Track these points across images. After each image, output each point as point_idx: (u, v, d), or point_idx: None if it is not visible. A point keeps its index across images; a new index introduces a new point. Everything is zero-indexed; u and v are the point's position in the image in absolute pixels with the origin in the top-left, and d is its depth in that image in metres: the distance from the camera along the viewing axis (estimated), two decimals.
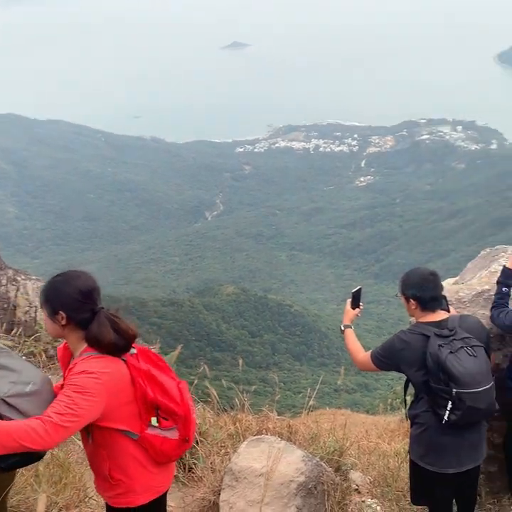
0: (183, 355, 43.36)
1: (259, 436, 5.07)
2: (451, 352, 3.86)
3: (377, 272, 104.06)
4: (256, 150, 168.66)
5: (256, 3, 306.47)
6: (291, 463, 4.71)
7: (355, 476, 5.44)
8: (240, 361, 14.37)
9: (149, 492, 3.26)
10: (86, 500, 4.50)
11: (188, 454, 5.27)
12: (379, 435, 7.85)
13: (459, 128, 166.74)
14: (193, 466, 5.26)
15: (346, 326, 4.53)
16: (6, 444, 2.75)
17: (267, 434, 5.28)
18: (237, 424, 5.67)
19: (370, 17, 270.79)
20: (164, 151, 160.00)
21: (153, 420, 3.15)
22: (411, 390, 4.25)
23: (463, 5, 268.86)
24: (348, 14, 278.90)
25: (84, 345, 3.09)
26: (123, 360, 3.08)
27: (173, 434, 3.19)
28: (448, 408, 3.88)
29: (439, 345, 3.90)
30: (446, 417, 3.90)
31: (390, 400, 12.38)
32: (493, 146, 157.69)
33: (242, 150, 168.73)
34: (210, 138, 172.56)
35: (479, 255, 5.59)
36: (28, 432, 2.77)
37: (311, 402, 5.94)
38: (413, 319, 4.32)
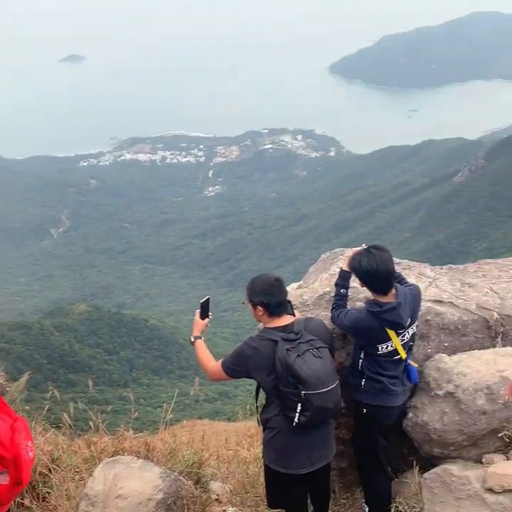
0: (36, 380, 41.44)
1: (114, 458, 4.94)
2: (298, 355, 3.96)
3: (231, 280, 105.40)
4: (101, 163, 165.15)
5: (92, 15, 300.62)
6: (148, 481, 4.63)
7: (216, 486, 5.44)
8: (90, 382, 14.06)
9: None
10: None
11: (41, 483, 5.02)
12: (238, 442, 7.91)
13: (299, 137, 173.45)
14: (47, 495, 5.01)
15: (196, 337, 4.52)
16: None
17: (123, 455, 5.15)
18: (92, 447, 5.48)
19: (211, 28, 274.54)
20: (2, 168, 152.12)
21: None
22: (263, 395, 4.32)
23: (295, 19, 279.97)
24: (187, 25, 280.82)
25: None
26: None
27: (3, 479, 3.01)
28: (298, 410, 3.98)
29: (287, 349, 3.99)
30: (296, 419, 4.01)
31: (248, 406, 12.52)
32: (332, 154, 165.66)
33: (86, 164, 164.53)
34: (51, 153, 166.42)
35: (320, 259, 5.79)
36: None
37: (170, 416, 5.88)
38: (261, 325, 4.39)
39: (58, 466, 5.22)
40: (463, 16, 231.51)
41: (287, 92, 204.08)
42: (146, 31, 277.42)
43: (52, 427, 5.79)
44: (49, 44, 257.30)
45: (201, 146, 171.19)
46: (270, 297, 4.14)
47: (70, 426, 5.69)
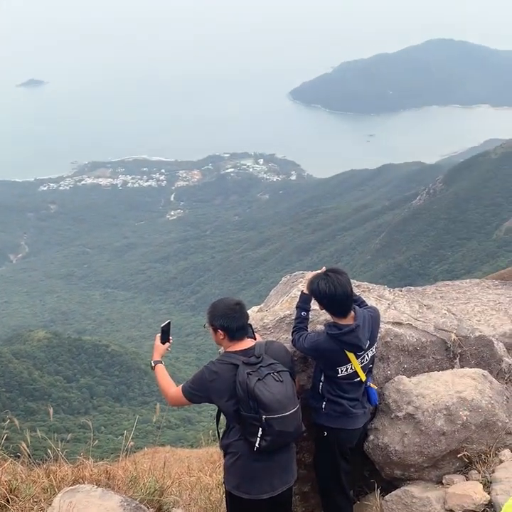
0: None
1: (74, 487, 4.85)
2: (259, 379, 3.96)
3: (193, 304, 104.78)
4: (61, 188, 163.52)
5: (49, 40, 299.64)
6: (109, 509, 4.55)
7: None
8: (50, 410, 13.75)
9: None
10: None
11: None
12: (201, 468, 7.84)
13: (261, 161, 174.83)
14: None
15: (156, 362, 4.48)
16: None
17: (83, 483, 5.05)
18: (52, 476, 5.36)
19: (173, 53, 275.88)
20: None
21: None
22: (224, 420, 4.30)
23: (255, 47, 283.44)
24: (147, 48, 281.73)
25: None
26: None
27: None
28: (259, 435, 3.97)
29: (248, 374, 3.99)
30: (257, 444, 3.99)
31: (211, 431, 12.41)
32: (293, 178, 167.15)
33: (45, 188, 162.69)
34: (10, 177, 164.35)
35: (280, 282, 5.83)
36: None
37: (131, 443, 5.80)
38: (222, 349, 4.38)
39: (16, 497, 5.09)
40: (419, 43, 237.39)
41: (248, 117, 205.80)
42: (106, 55, 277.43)
43: (11, 457, 5.67)
44: (7, 68, 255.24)
45: (163, 171, 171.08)
46: (231, 321, 4.14)
47: (29, 455, 5.57)
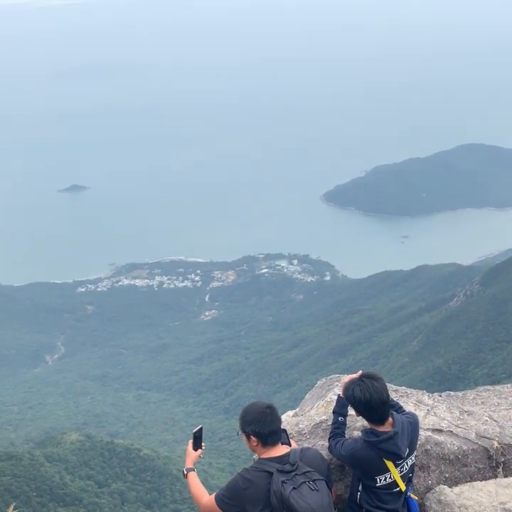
0: None
1: None
2: (294, 488, 3.85)
3: (227, 407, 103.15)
4: (99, 289, 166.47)
5: (92, 147, 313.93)
6: None
7: None
8: None
9: None
10: None
11: None
12: None
13: (295, 262, 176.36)
14: None
15: (189, 470, 4.39)
16: None
17: None
18: None
19: (212, 160, 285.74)
20: (0, 295, 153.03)
21: None
22: None
23: (290, 148, 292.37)
24: (182, 157, 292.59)
25: None
26: None
27: None
28: None
29: (282, 482, 3.88)
30: None
31: None
32: (328, 278, 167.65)
33: (83, 290, 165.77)
34: (50, 279, 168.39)
35: (316, 385, 5.75)
36: None
37: None
38: (256, 456, 4.29)
39: None
40: (450, 148, 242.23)
41: (282, 218, 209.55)
42: (143, 162, 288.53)
43: None
44: (50, 175, 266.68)
45: (198, 271, 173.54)
46: (262, 426, 4.07)
47: None
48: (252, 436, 4.13)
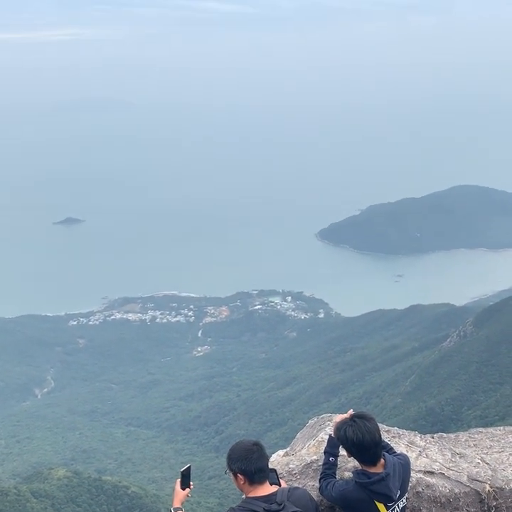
0: None
1: None
2: None
3: (217, 445, 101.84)
4: (91, 322, 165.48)
5: (88, 180, 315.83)
6: None
7: None
8: None
9: None
10: None
11: None
12: None
13: (289, 298, 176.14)
14: None
15: (176, 509, 4.32)
16: None
17: None
18: None
19: (205, 198, 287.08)
20: None
21: None
22: None
23: (285, 185, 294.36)
24: (175, 190, 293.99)
25: None
26: None
27: None
28: None
29: None
30: None
31: None
32: (321, 316, 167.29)
33: (75, 323, 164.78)
34: (42, 312, 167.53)
35: (307, 424, 5.70)
36: None
37: None
38: (244, 495, 4.22)
39: None
40: (445, 188, 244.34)
41: (276, 255, 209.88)
42: (138, 196, 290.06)
43: None
44: (46, 207, 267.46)
45: (191, 306, 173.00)
46: (249, 463, 4.02)
47: None
48: (239, 475, 4.09)
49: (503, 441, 6.58)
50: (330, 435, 4.60)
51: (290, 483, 4.64)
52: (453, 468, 4.92)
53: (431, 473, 4.84)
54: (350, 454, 4.36)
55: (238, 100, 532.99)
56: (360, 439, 4.20)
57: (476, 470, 4.95)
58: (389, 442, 4.65)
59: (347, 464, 4.72)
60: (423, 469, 4.84)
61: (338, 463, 4.57)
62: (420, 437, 5.49)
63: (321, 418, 5.64)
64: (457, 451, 5.28)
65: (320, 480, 4.45)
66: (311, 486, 4.61)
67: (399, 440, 5.22)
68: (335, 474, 4.44)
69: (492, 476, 4.93)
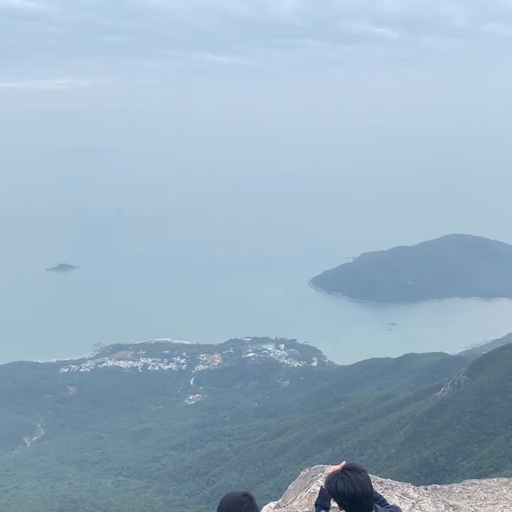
0: None
1: None
2: None
3: (209, 496, 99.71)
4: (82, 370, 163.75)
5: (81, 227, 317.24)
6: None
7: None
8: None
9: None
10: None
11: None
12: None
13: (282, 346, 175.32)
14: None
15: None
16: None
17: None
18: None
19: (194, 240, 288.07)
20: None
21: None
22: None
23: (278, 234, 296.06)
24: (172, 236, 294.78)
25: None
26: None
27: None
28: None
29: None
30: None
31: None
32: (314, 364, 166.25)
33: (66, 370, 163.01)
34: (33, 358, 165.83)
35: (299, 475, 5.66)
36: None
37: None
38: None
39: None
40: (437, 237, 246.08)
41: (269, 302, 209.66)
42: (131, 241, 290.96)
43: None
44: (40, 255, 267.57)
45: (184, 354, 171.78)
46: None
47: None
48: None
49: (497, 493, 6.53)
50: (321, 487, 4.55)
51: None
52: None
53: None
54: (342, 506, 4.31)
55: (236, 145, 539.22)
56: (351, 492, 4.17)
57: None
58: (382, 494, 4.61)
59: None
60: None
61: None
62: (414, 489, 5.45)
63: (313, 469, 5.61)
64: (451, 503, 5.24)
65: None
66: None
67: (392, 492, 5.18)
68: None
69: None
